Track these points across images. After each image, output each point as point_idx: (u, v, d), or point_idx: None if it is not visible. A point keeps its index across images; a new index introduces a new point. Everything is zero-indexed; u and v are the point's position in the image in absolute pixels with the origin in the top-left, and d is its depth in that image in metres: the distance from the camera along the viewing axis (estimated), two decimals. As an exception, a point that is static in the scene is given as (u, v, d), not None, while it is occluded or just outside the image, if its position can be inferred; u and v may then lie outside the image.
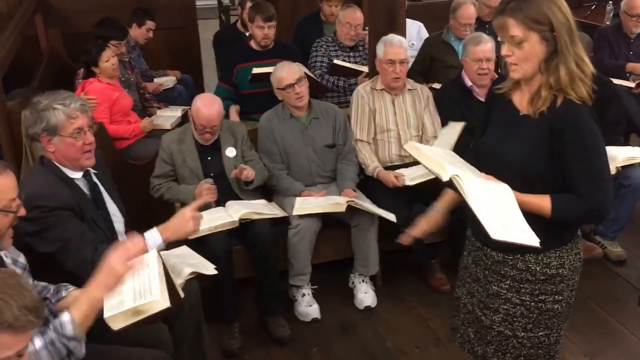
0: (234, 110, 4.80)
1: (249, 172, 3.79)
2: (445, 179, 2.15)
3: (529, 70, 2.19)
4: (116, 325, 2.31)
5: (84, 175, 2.91)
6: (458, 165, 2.27)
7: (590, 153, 2.18)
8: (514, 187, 2.20)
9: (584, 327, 3.77)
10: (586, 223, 3.82)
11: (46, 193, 2.70)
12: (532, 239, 2.08)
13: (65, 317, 2.14)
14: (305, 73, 4.25)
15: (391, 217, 3.86)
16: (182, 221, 2.68)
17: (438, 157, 2.27)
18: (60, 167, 2.85)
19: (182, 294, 2.66)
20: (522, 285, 2.38)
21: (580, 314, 3.82)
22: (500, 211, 2.10)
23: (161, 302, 2.29)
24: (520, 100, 2.30)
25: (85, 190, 2.90)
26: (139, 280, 2.42)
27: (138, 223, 4.32)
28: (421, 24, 6.03)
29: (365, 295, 4.02)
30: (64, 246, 2.70)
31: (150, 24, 5.77)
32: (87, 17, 5.56)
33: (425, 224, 2.68)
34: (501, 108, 2.37)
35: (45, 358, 2.09)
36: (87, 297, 2.23)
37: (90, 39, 5.06)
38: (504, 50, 2.21)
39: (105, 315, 2.31)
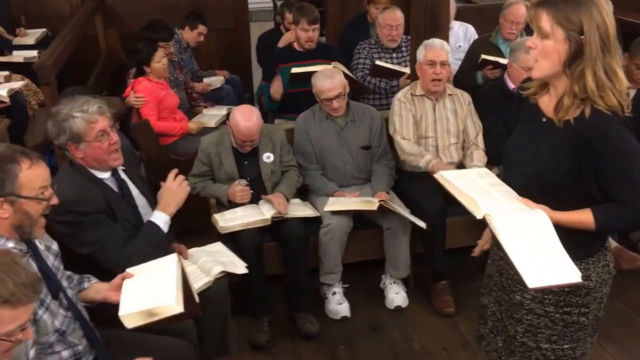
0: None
1: (280, 206, 3.79)
2: (479, 217, 2.11)
3: (547, 68, 2.15)
4: (130, 323, 2.42)
5: (112, 174, 3.01)
6: (490, 192, 2.20)
7: (626, 159, 2.11)
8: (537, 197, 2.16)
9: (622, 339, 3.70)
10: (633, 230, 3.73)
11: (79, 199, 2.80)
12: (572, 276, 2.01)
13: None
14: (345, 73, 4.29)
15: (421, 223, 3.87)
16: (172, 193, 3.02)
17: (470, 188, 2.21)
18: (90, 170, 2.94)
19: (197, 299, 2.74)
20: (546, 296, 2.32)
21: (620, 325, 3.79)
22: (537, 252, 2.02)
23: (175, 307, 2.39)
24: (548, 104, 2.24)
25: (115, 188, 3.01)
26: (156, 283, 2.53)
27: (179, 215, 4.53)
28: (470, 26, 5.98)
29: (397, 295, 4.04)
30: (99, 249, 2.84)
31: (202, 28, 5.93)
32: (144, 18, 5.75)
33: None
34: (527, 111, 2.33)
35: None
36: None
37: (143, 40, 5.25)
38: (529, 42, 2.18)
39: (121, 313, 2.42)
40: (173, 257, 2.69)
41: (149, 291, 2.50)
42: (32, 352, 2.25)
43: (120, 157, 2.99)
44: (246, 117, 3.77)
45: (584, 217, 2.17)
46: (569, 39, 2.08)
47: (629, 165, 2.12)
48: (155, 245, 2.93)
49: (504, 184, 2.29)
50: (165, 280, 2.53)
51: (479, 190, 2.20)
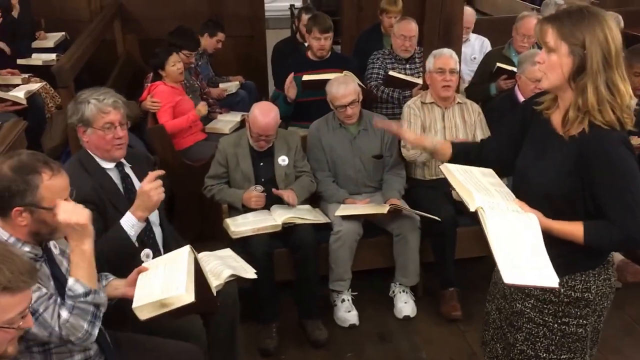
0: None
1: (289, 198, 3.88)
2: (472, 209, 2.16)
3: (554, 81, 2.20)
4: (143, 315, 2.46)
5: (116, 166, 3.08)
6: (490, 190, 2.25)
7: (621, 178, 2.13)
8: (542, 211, 2.19)
9: (629, 352, 3.71)
10: (621, 250, 3.73)
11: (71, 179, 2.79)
12: (549, 280, 2.04)
13: (69, 282, 2.29)
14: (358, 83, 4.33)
15: (434, 217, 3.88)
16: (145, 197, 2.84)
17: (470, 182, 2.26)
18: (94, 156, 3.04)
19: (214, 292, 2.77)
20: (545, 306, 2.36)
21: (627, 337, 3.82)
22: (520, 250, 2.07)
23: (185, 296, 2.42)
24: (558, 120, 2.28)
25: (117, 180, 3.07)
26: (168, 275, 2.57)
27: (192, 220, 4.57)
28: (486, 39, 6.03)
29: (405, 304, 4.06)
30: None
31: (220, 35, 5.99)
32: (162, 24, 5.84)
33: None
34: (538, 126, 2.36)
35: (77, 320, 2.26)
36: (77, 256, 2.32)
37: (164, 45, 5.31)
38: (538, 57, 2.23)
39: (134, 305, 2.47)
40: (185, 249, 2.71)
41: (161, 282, 2.54)
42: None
43: (123, 150, 3.06)
44: (265, 112, 3.87)
45: (575, 229, 2.20)
46: (572, 54, 2.13)
47: (622, 184, 2.14)
48: (118, 246, 2.85)
49: (504, 185, 2.35)
50: (176, 271, 2.57)
51: (479, 185, 2.26)
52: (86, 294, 2.28)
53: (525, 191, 2.30)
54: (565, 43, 2.13)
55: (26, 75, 5.31)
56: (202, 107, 4.95)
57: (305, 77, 4.71)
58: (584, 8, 2.17)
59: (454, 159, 2.56)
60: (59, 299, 2.30)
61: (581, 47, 2.11)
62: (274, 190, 3.93)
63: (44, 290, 2.28)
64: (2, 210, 2.30)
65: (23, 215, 2.29)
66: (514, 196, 2.27)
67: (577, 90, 2.15)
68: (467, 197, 2.20)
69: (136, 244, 2.93)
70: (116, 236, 2.86)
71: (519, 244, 2.08)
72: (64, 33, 6.24)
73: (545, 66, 2.20)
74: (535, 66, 4.06)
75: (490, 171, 2.44)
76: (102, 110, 2.97)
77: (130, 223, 2.86)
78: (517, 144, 2.43)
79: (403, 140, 4.05)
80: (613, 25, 2.14)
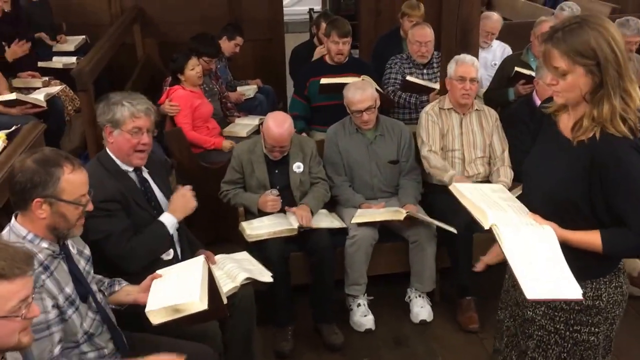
0: None
1: (302, 220, 3.82)
2: (486, 227, 2.14)
3: (573, 98, 2.18)
4: (155, 319, 2.50)
5: (134, 170, 3.13)
6: (502, 206, 2.24)
7: (632, 183, 2.13)
8: (549, 215, 2.19)
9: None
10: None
11: (95, 185, 2.84)
12: (572, 292, 2.03)
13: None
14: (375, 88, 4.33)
15: (451, 228, 3.87)
16: (184, 200, 3.15)
17: (481, 199, 2.25)
18: (115, 159, 3.09)
19: (225, 301, 2.81)
20: (556, 313, 2.35)
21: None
22: (539, 264, 2.06)
23: (198, 303, 2.47)
24: (566, 124, 2.27)
25: (137, 182, 3.13)
26: (183, 282, 2.62)
27: (208, 223, 4.58)
28: (508, 46, 5.99)
29: (422, 309, 4.05)
30: (105, 239, 2.94)
31: (239, 40, 6.01)
32: (182, 28, 5.88)
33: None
34: (547, 129, 2.36)
35: None
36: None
37: (184, 49, 5.34)
38: (548, 79, 2.20)
39: (147, 309, 2.51)
40: (200, 258, 2.80)
41: (175, 289, 2.59)
42: (57, 349, 2.32)
43: (144, 159, 3.12)
44: (278, 124, 3.86)
45: (592, 238, 2.19)
46: (590, 73, 2.10)
47: (635, 190, 2.13)
48: (159, 243, 3.09)
49: (516, 199, 2.34)
50: (191, 279, 2.62)
51: (490, 202, 2.25)
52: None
53: (535, 193, 2.29)
54: (579, 65, 2.09)
55: (46, 78, 5.37)
56: (229, 144, 4.88)
57: (324, 81, 4.71)
58: (582, 22, 2.11)
59: None
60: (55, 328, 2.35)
61: (596, 64, 2.08)
62: (287, 208, 3.93)
63: (45, 316, 2.31)
64: (24, 202, 2.37)
65: (43, 207, 2.36)
66: (527, 210, 2.25)
67: (592, 103, 2.14)
68: (480, 215, 2.18)
69: None
70: (159, 233, 3.08)
71: (537, 258, 2.07)
72: (84, 36, 6.29)
73: (562, 88, 2.16)
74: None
75: (500, 187, 2.46)
76: (134, 115, 3.04)
77: (171, 222, 3.11)
78: None
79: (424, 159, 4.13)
80: (614, 30, 2.11)
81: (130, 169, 3.12)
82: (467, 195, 2.29)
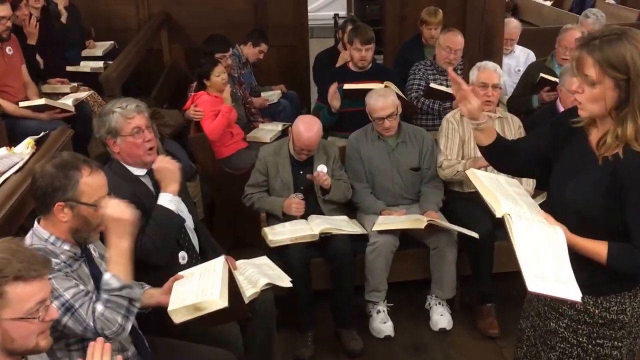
0: None
1: (323, 180, 3.94)
2: (498, 215, 2.14)
3: (595, 111, 2.16)
4: (177, 318, 2.55)
5: (147, 173, 3.15)
6: (516, 199, 2.24)
7: None
8: (573, 228, 2.18)
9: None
10: None
11: (111, 188, 2.84)
12: (572, 294, 2.04)
13: (105, 276, 2.39)
14: (397, 94, 4.34)
15: (473, 233, 3.87)
16: (166, 172, 3.05)
17: (497, 189, 2.25)
18: (126, 166, 3.11)
19: (246, 301, 2.84)
20: (579, 326, 2.34)
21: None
22: (545, 260, 2.06)
23: (219, 302, 2.51)
24: (595, 138, 2.25)
25: (150, 187, 3.14)
26: (203, 282, 2.67)
27: (230, 228, 4.63)
28: (531, 52, 5.98)
29: (441, 317, 4.05)
30: None
31: (263, 46, 6.07)
32: (208, 33, 5.93)
33: None
34: (575, 143, 2.33)
35: (112, 314, 2.35)
36: (115, 252, 2.42)
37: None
38: (575, 86, 2.18)
39: (169, 308, 2.56)
40: (220, 259, 2.83)
41: (196, 288, 2.64)
42: (99, 307, 2.35)
43: (155, 155, 3.13)
44: (308, 127, 3.94)
45: (598, 248, 2.18)
46: (618, 87, 2.08)
47: None
48: (166, 226, 3.01)
49: (529, 196, 2.35)
50: (211, 279, 2.67)
51: (505, 193, 2.25)
52: (121, 289, 2.36)
53: (560, 207, 2.28)
54: (609, 77, 2.07)
55: (75, 84, 5.46)
56: (227, 93, 5.00)
57: (347, 86, 4.73)
58: (622, 34, 2.08)
59: (496, 142, 2.47)
60: (94, 296, 2.38)
61: (626, 79, 2.06)
62: (308, 175, 4.00)
63: (81, 287, 2.37)
64: (46, 206, 2.42)
65: (65, 211, 2.41)
66: (539, 208, 2.27)
67: (616, 120, 2.12)
68: (493, 202, 2.19)
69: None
70: (162, 215, 3.00)
71: (544, 254, 2.07)
72: (112, 42, 6.40)
73: (586, 97, 2.14)
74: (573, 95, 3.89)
75: (515, 181, 2.46)
76: (127, 117, 3.04)
77: (167, 199, 3.02)
78: (541, 156, 2.42)
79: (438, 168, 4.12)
80: None
81: (143, 172, 3.13)
82: (483, 181, 2.29)
